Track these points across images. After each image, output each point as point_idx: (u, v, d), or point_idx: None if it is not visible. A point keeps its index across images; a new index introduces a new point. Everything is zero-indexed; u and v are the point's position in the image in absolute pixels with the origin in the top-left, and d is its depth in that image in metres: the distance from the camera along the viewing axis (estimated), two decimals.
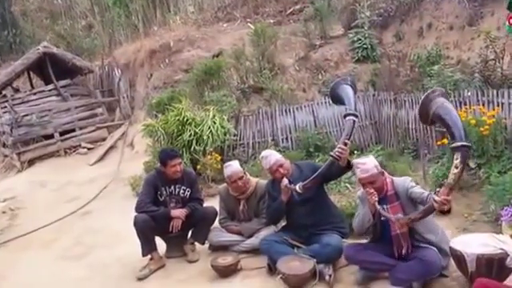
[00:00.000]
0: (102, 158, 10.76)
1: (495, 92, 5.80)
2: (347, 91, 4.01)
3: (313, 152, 7.82)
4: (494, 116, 5.44)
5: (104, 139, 11.65)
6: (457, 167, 3.06)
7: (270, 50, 9.80)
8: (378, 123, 8.50)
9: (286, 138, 8.56)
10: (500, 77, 6.29)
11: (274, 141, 8.42)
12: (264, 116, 8.63)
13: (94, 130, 11.82)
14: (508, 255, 3.18)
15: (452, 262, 3.55)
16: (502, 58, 6.28)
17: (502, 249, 3.23)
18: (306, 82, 9.71)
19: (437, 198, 3.10)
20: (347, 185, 6.28)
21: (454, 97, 6.54)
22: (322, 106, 8.69)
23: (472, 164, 5.57)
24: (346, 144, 3.73)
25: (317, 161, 6.56)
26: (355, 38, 9.89)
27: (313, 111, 8.68)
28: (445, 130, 6.48)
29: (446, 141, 5.90)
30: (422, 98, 3.35)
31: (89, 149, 11.35)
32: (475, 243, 3.40)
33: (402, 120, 7.69)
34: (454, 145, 3.11)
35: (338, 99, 4.12)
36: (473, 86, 6.45)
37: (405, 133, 7.63)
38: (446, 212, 3.19)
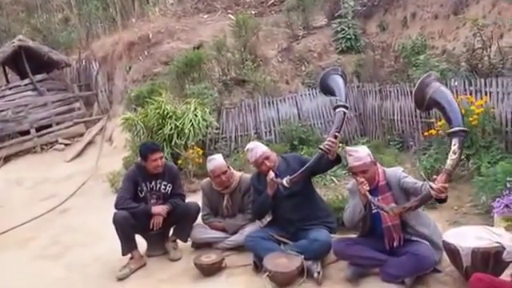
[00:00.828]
0: (79, 154, 10.53)
1: (483, 81, 5.71)
2: (337, 81, 3.87)
3: (297, 145, 7.72)
4: (482, 105, 5.35)
5: (82, 135, 11.41)
6: (455, 153, 2.93)
7: (252, 42, 9.63)
8: (362, 115, 8.42)
9: (270, 131, 8.45)
10: (488, 65, 6.20)
11: (256, 134, 8.31)
12: (247, 109, 8.51)
13: (71, 126, 11.60)
14: (504, 249, 3.07)
15: (445, 256, 3.43)
16: (490, 47, 6.18)
17: (497, 242, 3.12)
18: (289, 74, 9.59)
19: (434, 185, 2.96)
20: (333, 178, 6.19)
21: None
22: (306, 98, 8.60)
23: (462, 155, 5.48)
24: (335, 137, 3.60)
25: (301, 154, 6.40)
26: (339, 29, 9.78)
27: (296, 103, 8.60)
28: (432, 120, 6.66)
29: (433, 131, 5.82)
30: (418, 82, 3.21)
31: (66, 145, 11.10)
32: (469, 236, 3.29)
33: (388, 111, 7.63)
34: (451, 130, 2.99)
35: (327, 90, 3.97)
36: (460, 75, 6.36)
37: (390, 124, 7.58)
38: (442, 200, 3.03)
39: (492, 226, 4.18)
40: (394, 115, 7.52)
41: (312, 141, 7.73)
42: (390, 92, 7.57)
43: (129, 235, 4.38)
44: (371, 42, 9.54)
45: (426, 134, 6.10)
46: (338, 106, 3.71)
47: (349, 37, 9.58)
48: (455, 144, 2.94)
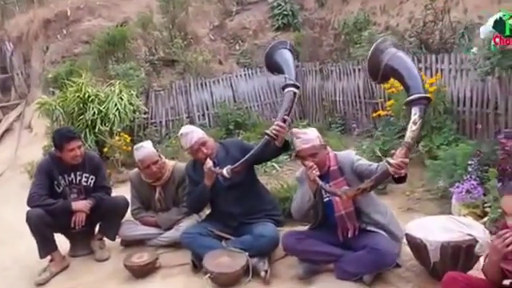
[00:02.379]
0: None
1: (434, 57, 5.50)
2: (286, 57, 3.43)
3: (233, 129, 7.47)
4: (433, 84, 5.15)
5: None
6: (415, 123, 2.58)
7: (181, 18, 9.25)
8: (302, 96, 8.21)
9: (203, 115, 8.25)
10: (439, 41, 5.99)
11: (189, 118, 8.04)
12: (177, 91, 8.20)
13: None
14: (477, 242, 2.79)
15: (405, 249, 3.18)
16: (442, 20, 5.95)
17: (469, 234, 2.83)
18: (223, 53, 9.30)
19: (392, 160, 2.59)
20: (274, 164, 5.88)
21: None
22: (242, 79, 8.39)
23: None
24: (284, 121, 3.20)
25: (240, 139, 6.04)
26: (275, 4, 9.51)
27: (231, 85, 8.39)
28: (376, 101, 6.44)
29: (381, 112, 5.60)
30: (372, 49, 2.81)
31: None
32: (436, 228, 3.00)
33: (329, 92, 7.47)
34: (410, 98, 2.62)
35: (274, 67, 3.52)
36: (407, 52, 6.12)
37: (332, 106, 7.44)
38: (401, 179, 2.69)
39: (449, 212, 4.08)
40: (335, 96, 7.36)
41: (249, 125, 7.61)
42: (332, 71, 7.41)
43: (46, 235, 3.88)
44: (309, 19, 9.25)
45: (374, 115, 5.85)
46: (287, 86, 3.29)
47: (286, 13, 9.33)
48: (416, 113, 2.59)
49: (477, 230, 2.87)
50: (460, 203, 3.91)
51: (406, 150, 2.61)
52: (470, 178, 3.96)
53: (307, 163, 3.09)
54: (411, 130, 2.60)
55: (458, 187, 3.93)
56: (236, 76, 8.42)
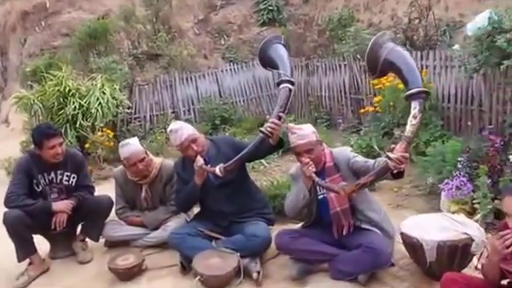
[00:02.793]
0: None
1: (419, 54, 5.49)
2: (280, 53, 3.32)
3: (219, 125, 7.30)
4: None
5: None
6: (415, 117, 2.56)
7: (165, 11, 9.09)
8: None
9: (189, 110, 8.08)
10: (423, 37, 5.99)
11: (174, 113, 7.86)
12: (162, 85, 8.01)
13: None
14: (473, 240, 2.76)
15: (397, 247, 3.13)
16: (427, 17, 5.94)
17: (465, 233, 2.80)
18: (208, 48, 9.16)
19: (392, 154, 2.53)
20: (262, 161, 5.74)
21: None
22: (227, 74, 8.28)
23: (397, 132, 5.31)
24: (279, 118, 3.08)
25: (227, 134, 5.93)
26: None
27: (217, 80, 8.24)
28: (361, 97, 6.42)
29: (370, 108, 5.57)
30: (370, 43, 2.77)
31: None
32: (430, 227, 2.94)
33: (315, 87, 7.45)
34: (410, 92, 2.61)
35: (268, 62, 3.40)
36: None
37: (317, 101, 7.41)
38: (399, 174, 2.65)
39: (438, 208, 4.08)
40: (321, 91, 7.34)
41: (234, 120, 7.49)
42: (318, 67, 7.37)
43: (24, 237, 3.67)
44: (294, 15, 9.20)
45: (362, 111, 5.82)
46: (282, 82, 3.18)
47: (271, 8, 9.28)
48: (415, 107, 2.57)
49: (472, 229, 2.84)
50: (450, 200, 3.89)
51: (406, 145, 2.57)
52: (459, 174, 3.94)
53: (303, 159, 3.01)
54: (411, 124, 2.58)
55: (447, 184, 3.91)
56: (222, 71, 8.29)
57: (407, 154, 2.55)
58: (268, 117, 3.19)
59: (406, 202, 4.21)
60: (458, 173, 3.96)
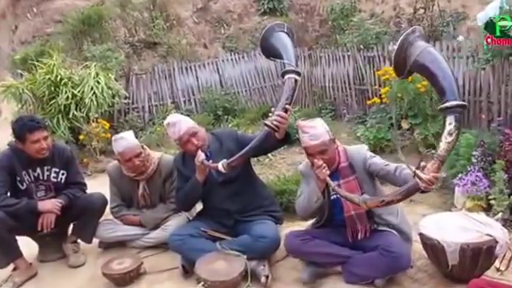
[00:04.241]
0: None
1: None
2: (285, 41, 3.07)
3: (221, 115, 7.09)
4: None
5: None
6: (451, 134, 2.29)
7: None
8: None
9: (189, 100, 7.81)
10: (429, 28, 5.83)
11: (174, 103, 7.62)
12: (160, 75, 7.75)
13: None
14: (497, 242, 2.56)
15: (414, 247, 2.93)
16: (433, 6, 5.78)
17: (488, 235, 2.59)
18: (207, 37, 8.89)
19: (423, 175, 2.30)
20: None
21: (378, 51, 6.21)
22: (228, 64, 8.12)
23: (405, 125, 5.14)
24: (286, 110, 2.85)
25: (231, 126, 5.71)
26: None
27: (218, 69, 8.05)
28: (365, 87, 6.24)
29: (377, 100, 5.36)
30: (400, 40, 2.47)
31: None
32: (451, 227, 2.74)
33: (318, 78, 7.33)
34: (445, 105, 2.32)
35: (271, 51, 3.15)
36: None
37: (321, 92, 7.27)
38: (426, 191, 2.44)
39: (452, 203, 3.95)
40: (325, 82, 7.20)
41: (237, 110, 7.32)
42: (321, 57, 7.24)
43: (8, 241, 3.38)
44: (295, 4, 9.08)
45: (369, 102, 5.62)
46: (288, 72, 2.93)
47: None
48: (451, 123, 2.30)
49: (495, 230, 2.66)
50: (465, 195, 3.76)
51: (438, 164, 2.33)
52: (474, 169, 3.80)
53: (316, 162, 2.77)
54: (446, 141, 2.32)
55: (461, 179, 3.78)
56: (222, 60, 8.08)
57: (439, 175, 2.35)
58: (273, 109, 2.94)
59: (418, 197, 3.99)
60: (472, 167, 3.82)
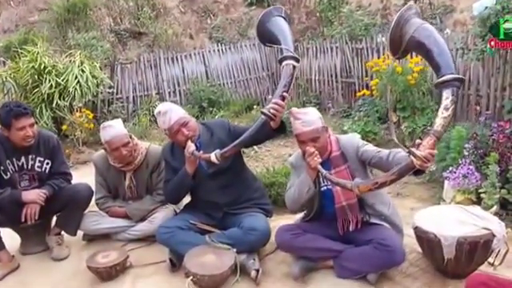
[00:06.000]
0: None
1: None
2: (282, 26, 2.95)
3: (206, 107, 6.95)
4: (418, 63, 4.92)
5: None
6: (447, 109, 2.18)
7: None
8: (275, 74, 7.95)
9: (174, 92, 7.69)
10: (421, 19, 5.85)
11: (159, 94, 7.52)
12: (146, 65, 7.63)
13: None
14: (494, 236, 2.51)
15: (404, 240, 2.86)
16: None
17: (485, 228, 2.55)
18: (194, 27, 8.74)
19: (418, 152, 2.19)
20: None
21: (366, 43, 6.16)
22: (215, 55, 8.03)
23: (394, 117, 5.10)
24: (283, 98, 2.74)
25: (217, 118, 5.65)
26: None
27: (204, 60, 7.92)
28: (352, 80, 6.22)
29: (367, 92, 5.32)
30: (396, 18, 2.39)
31: None
32: (447, 221, 2.68)
33: (304, 71, 7.30)
34: (442, 79, 2.22)
35: (268, 37, 3.02)
36: (387, 30, 5.90)
37: (307, 85, 7.24)
38: (421, 171, 2.32)
39: (440, 197, 3.93)
40: (311, 75, 7.17)
41: (222, 102, 7.25)
42: (308, 49, 7.12)
43: None
44: None
45: (359, 94, 5.58)
46: (285, 58, 2.81)
47: None
48: (447, 97, 2.19)
49: (492, 223, 2.61)
50: (455, 189, 3.72)
51: (434, 140, 2.22)
52: (465, 162, 3.76)
53: (308, 149, 2.69)
54: (442, 116, 2.20)
55: (452, 172, 3.73)
56: (209, 51, 7.99)
57: (435, 151, 2.24)
58: (270, 97, 2.87)
59: (405, 191, 4.05)
60: (464, 161, 3.78)
